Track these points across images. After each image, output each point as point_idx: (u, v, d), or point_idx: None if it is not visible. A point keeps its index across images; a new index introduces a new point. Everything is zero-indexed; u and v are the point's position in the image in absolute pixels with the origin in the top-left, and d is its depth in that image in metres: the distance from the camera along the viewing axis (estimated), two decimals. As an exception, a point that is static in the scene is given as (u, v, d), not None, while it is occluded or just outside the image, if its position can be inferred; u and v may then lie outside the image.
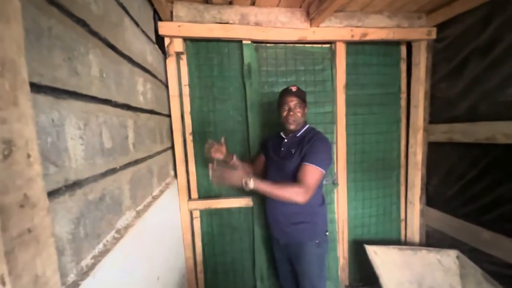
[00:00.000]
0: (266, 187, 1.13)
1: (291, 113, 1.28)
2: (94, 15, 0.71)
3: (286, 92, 1.31)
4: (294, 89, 1.29)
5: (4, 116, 0.33)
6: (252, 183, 1.10)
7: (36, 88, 0.49)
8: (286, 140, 1.37)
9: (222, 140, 1.32)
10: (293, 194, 1.14)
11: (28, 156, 0.36)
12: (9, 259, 0.33)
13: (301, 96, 1.29)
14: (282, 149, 1.36)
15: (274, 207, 1.35)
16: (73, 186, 0.59)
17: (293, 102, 1.28)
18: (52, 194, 0.52)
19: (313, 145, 1.23)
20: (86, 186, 0.64)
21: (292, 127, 1.30)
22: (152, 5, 1.27)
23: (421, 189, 1.87)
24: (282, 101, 1.32)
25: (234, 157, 1.39)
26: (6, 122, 0.33)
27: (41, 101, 0.50)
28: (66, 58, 0.59)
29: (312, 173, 1.18)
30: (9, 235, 0.33)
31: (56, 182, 0.54)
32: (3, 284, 0.32)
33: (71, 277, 0.57)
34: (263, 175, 1.47)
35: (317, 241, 1.31)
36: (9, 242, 0.33)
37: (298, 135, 1.33)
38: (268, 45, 1.68)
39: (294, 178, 1.22)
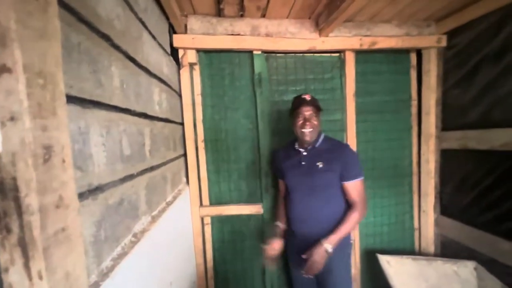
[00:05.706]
0: (339, 235, 1.16)
1: (307, 123, 1.19)
2: (117, 30, 0.76)
3: (300, 101, 1.22)
4: (308, 97, 1.21)
5: (46, 124, 0.36)
6: (330, 246, 1.14)
7: (66, 98, 0.53)
8: (305, 154, 1.28)
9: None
10: (357, 220, 1.21)
11: (63, 161, 0.40)
12: (46, 256, 0.36)
13: (315, 104, 1.22)
14: (303, 163, 1.27)
15: (312, 227, 1.26)
16: (96, 190, 0.63)
17: (308, 112, 1.20)
18: (78, 197, 0.55)
19: (347, 160, 1.22)
20: (107, 190, 0.68)
21: (307, 138, 1.21)
22: (167, 19, 1.33)
23: (435, 197, 1.82)
24: (296, 111, 1.23)
25: (279, 242, 1.38)
26: (47, 130, 0.36)
27: (70, 110, 0.54)
28: (92, 71, 0.63)
29: (358, 187, 1.23)
30: (47, 233, 0.36)
31: (81, 186, 0.57)
32: (40, 278, 0.35)
33: (93, 278, 0.60)
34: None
35: (348, 252, 1.31)
36: (46, 240, 0.36)
37: (317, 145, 1.27)
38: (278, 55, 1.72)
39: (325, 192, 1.24)
